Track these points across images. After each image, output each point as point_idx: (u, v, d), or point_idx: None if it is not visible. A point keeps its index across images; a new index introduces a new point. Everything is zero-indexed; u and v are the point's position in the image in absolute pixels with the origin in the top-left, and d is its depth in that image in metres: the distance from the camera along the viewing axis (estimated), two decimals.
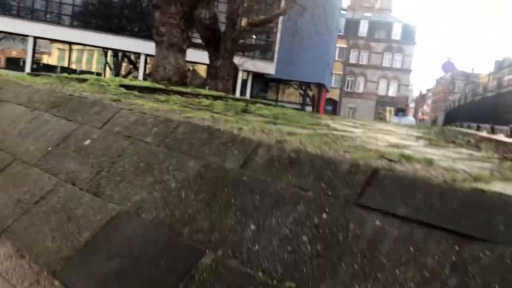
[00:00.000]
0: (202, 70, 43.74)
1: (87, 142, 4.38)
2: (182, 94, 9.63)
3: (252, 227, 2.78)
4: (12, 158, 4.63)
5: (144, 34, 43.00)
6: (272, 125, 5.12)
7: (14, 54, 49.49)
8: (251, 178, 3.10)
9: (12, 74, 9.56)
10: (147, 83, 11.05)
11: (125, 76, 44.90)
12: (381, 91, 68.21)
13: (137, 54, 44.84)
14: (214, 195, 3.17)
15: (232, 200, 3.03)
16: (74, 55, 47.32)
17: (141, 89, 9.15)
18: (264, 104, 12.18)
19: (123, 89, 7.95)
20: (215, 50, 19.97)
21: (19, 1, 40.86)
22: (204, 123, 4.08)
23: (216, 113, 5.67)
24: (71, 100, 5.30)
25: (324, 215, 2.63)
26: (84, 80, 9.00)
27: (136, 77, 42.44)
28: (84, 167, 4.06)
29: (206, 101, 8.31)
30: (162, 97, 7.75)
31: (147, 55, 42.97)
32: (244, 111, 7.20)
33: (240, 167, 3.26)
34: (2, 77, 7.11)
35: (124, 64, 50.15)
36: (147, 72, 44.65)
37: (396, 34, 67.79)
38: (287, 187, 2.92)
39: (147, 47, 41.84)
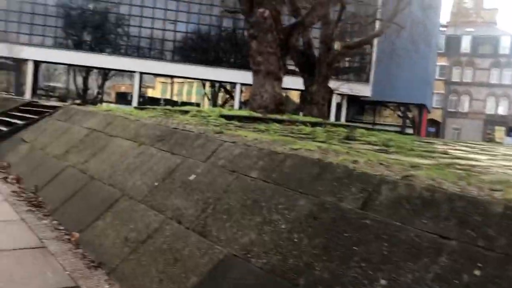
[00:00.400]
0: (294, 96, 43.98)
1: (192, 177, 4.26)
2: (280, 122, 9.44)
3: (383, 282, 2.33)
4: (121, 194, 4.67)
5: (239, 64, 44.53)
6: (385, 154, 4.63)
7: (123, 88, 54.13)
8: (376, 221, 2.66)
9: (121, 107, 10.14)
10: (245, 112, 11.08)
11: (222, 106, 46.66)
12: (489, 109, 62.80)
13: (233, 84, 46.42)
14: (332, 240, 2.77)
15: (354, 247, 2.61)
16: (176, 87, 50.33)
17: (240, 119, 9.12)
18: (365, 128, 11.57)
19: (223, 120, 7.94)
20: (309, 75, 19.75)
21: (127, 41, 44.68)
22: (313, 155, 3.73)
23: (320, 142, 5.32)
24: (175, 133, 5.29)
25: (477, 272, 2.11)
26: (186, 112, 9.21)
27: (232, 106, 43.87)
28: (190, 203, 3.91)
29: (306, 129, 7.99)
30: (262, 126, 7.59)
31: (242, 84, 44.34)
32: (348, 138, 6.75)
33: (360, 208, 2.84)
34: (113, 112, 7.47)
35: (220, 94, 52.28)
36: (242, 100, 46.04)
37: (504, 48, 62.43)
38: (422, 233, 2.43)
39: (242, 76, 43.27)
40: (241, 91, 45.45)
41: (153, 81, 56.33)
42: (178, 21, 44.15)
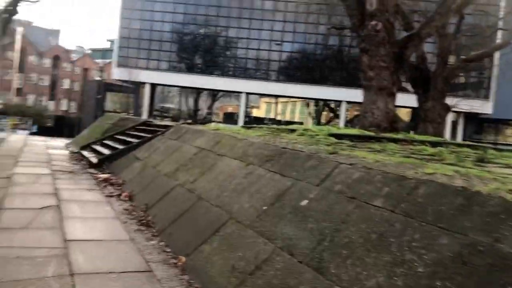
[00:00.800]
0: (402, 114, 41.71)
1: (304, 202, 3.83)
2: (395, 141, 8.64)
3: None
4: (228, 217, 4.40)
5: (345, 81, 43.65)
6: None
7: (230, 109, 56.19)
8: None
9: (228, 127, 10.14)
10: (355, 131, 10.43)
11: (326, 124, 45.92)
12: None
13: (337, 102, 45.61)
14: None
15: None
16: (279, 107, 50.83)
17: (351, 138, 8.51)
18: (493, 149, 10.20)
19: (333, 139, 7.43)
20: (423, 91, 18.38)
21: (234, 63, 46.34)
22: (453, 182, 3.08)
23: (451, 164, 4.56)
24: (284, 153, 4.93)
25: None
26: (293, 131, 8.86)
27: (337, 125, 42.94)
28: (303, 233, 3.47)
29: (428, 149, 7.13)
30: (376, 146, 6.92)
31: (348, 102, 43.35)
32: (482, 160, 5.82)
33: None
34: (221, 131, 7.37)
35: (324, 113, 51.69)
36: (348, 119, 44.92)
37: None
38: None
39: (347, 94, 42.29)
40: (347, 110, 44.43)
41: (258, 101, 57.73)
42: (283, 41, 44.78)
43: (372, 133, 9.62)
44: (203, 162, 6.23)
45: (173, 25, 46.67)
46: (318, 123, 47.42)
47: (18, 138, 17.81)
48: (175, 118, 48.42)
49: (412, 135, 11.83)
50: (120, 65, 46.54)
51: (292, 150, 4.91)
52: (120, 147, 10.47)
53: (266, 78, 45.46)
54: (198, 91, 50.35)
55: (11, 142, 15.16)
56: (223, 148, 6.27)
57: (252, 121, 47.85)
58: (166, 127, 10.74)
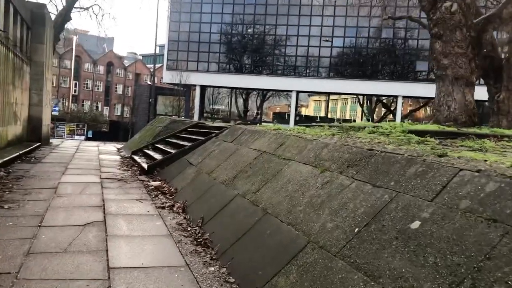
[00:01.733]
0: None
1: (415, 224, 2.82)
2: (482, 137, 7.39)
3: None
4: (306, 240, 3.46)
5: (399, 76, 41.58)
6: None
7: (278, 109, 55.23)
8: None
9: (283, 127, 9.21)
10: (432, 127, 9.17)
11: (379, 121, 44.00)
12: None
13: (392, 97, 43.60)
14: None
15: None
16: (330, 104, 49.24)
17: (432, 134, 7.36)
18: None
19: (413, 136, 6.34)
20: (495, 81, 16.60)
21: (283, 62, 45.36)
22: None
23: None
24: (372, 156, 3.93)
25: None
26: (361, 129, 7.82)
27: (393, 121, 40.90)
28: (421, 270, 2.48)
29: None
30: (471, 143, 5.77)
31: (404, 97, 41.27)
32: None
33: None
34: (284, 131, 6.45)
35: (376, 109, 49.61)
36: (402, 114, 42.73)
37: None
38: None
39: (403, 88, 40.24)
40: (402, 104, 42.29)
41: (307, 99, 56.44)
42: (334, 36, 43.31)
43: (453, 129, 8.38)
44: (266, 167, 5.33)
45: (221, 26, 46.39)
46: (371, 119, 45.50)
47: (72, 144, 17.78)
48: (225, 119, 48.17)
49: (497, 129, 10.38)
50: (169, 68, 46.85)
51: (383, 153, 3.89)
52: (172, 151, 9.80)
53: (316, 75, 44.19)
54: (247, 91, 49.84)
55: (64, 148, 15.02)
56: (289, 151, 5.34)
57: (303, 120, 46.62)
58: (220, 128, 9.97)
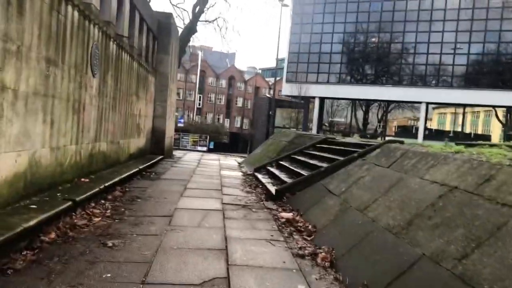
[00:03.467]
0: None
1: None
2: None
3: None
4: None
5: None
6: None
7: (395, 123, 50.96)
8: None
9: (435, 144, 7.07)
10: None
11: None
12: None
13: None
14: None
15: None
16: (459, 118, 43.78)
17: None
18: None
19: None
20: None
21: (410, 71, 41.66)
22: None
23: None
24: None
25: None
26: None
27: None
28: None
29: None
30: None
31: None
32: None
33: None
34: (476, 156, 4.44)
35: None
36: None
37: None
38: None
39: None
40: None
41: (431, 112, 51.02)
42: (470, 42, 38.58)
43: None
44: (470, 216, 3.43)
45: (343, 35, 44.33)
46: (510, 136, 39.42)
47: (193, 157, 17.31)
48: (344, 133, 45.79)
49: None
50: (289, 81, 46.07)
51: None
52: (303, 172, 8.22)
53: (448, 85, 39.68)
54: (367, 103, 46.80)
55: (185, 161, 14.43)
56: (505, 192, 3.38)
57: (433, 135, 42.20)
58: (361, 146, 8.16)
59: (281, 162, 11.03)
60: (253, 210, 6.70)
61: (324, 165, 8.05)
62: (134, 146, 11.22)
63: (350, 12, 43.52)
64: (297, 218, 6.09)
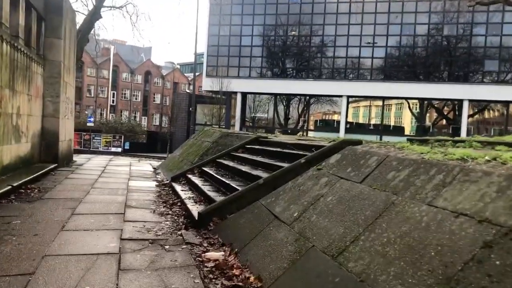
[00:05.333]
0: None
1: None
2: None
3: None
4: None
5: (461, 77, 36.88)
6: None
7: (320, 116, 50.80)
8: None
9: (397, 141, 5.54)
10: None
11: (433, 127, 39.54)
12: None
13: (449, 101, 38.76)
14: None
15: None
16: (373, 111, 44.60)
17: None
18: None
19: None
20: None
21: (329, 65, 41.48)
22: None
23: None
24: None
25: None
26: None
27: (447, 129, 36.24)
28: None
29: None
30: None
31: (470, 100, 36.51)
32: None
33: None
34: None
35: (427, 115, 44.53)
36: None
37: None
38: None
39: (468, 91, 35.57)
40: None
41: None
42: (389, 35, 39.09)
43: None
44: None
45: (263, 28, 42.99)
46: (421, 128, 40.79)
47: (99, 163, 14.65)
48: (268, 129, 44.62)
49: None
50: (209, 75, 43.89)
51: None
52: (234, 185, 6.25)
53: (364, 78, 40.01)
54: (288, 98, 46.01)
55: (87, 169, 11.87)
56: None
57: (354, 128, 42.44)
58: (306, 148, 6.41)
59: (204, 169, 9.02)
60: (166, 248, 4.63)
61: (261, 173, 6.17)
62: (10, 154, 8.56)
63: (269, 3, 42.32)
64: (231, 259, 4.14)
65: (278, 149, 7.59)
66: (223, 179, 7.09)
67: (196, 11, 53.27)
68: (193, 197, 7.10)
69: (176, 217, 6.08)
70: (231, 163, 8.30)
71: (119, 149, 43.68)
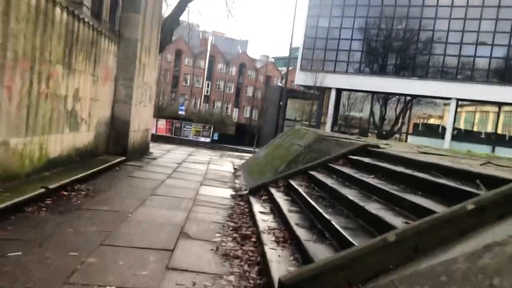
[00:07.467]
0: None
1: None
2: None
3: None
4: None
5: None
6: None
7: (420, 120, 45.73)
8: None
9: None
10: None
11: None
12: None
13: None
14: None
15: None
16: (477, 116, 38.79)
17: None
18: None
19: None
20: None
21: (442, 63, 37.02)
22: None
23: None
24: None
25: None
26: None
27: None
28: None
29: None
30: None
31: None
32: None
33: None
34: None
35: None
36: None
37: None
38: None
39: None
40: None
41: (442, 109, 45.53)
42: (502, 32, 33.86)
43: None
44: None
45: (366, 21, 39.60)
46: None
47: (177, 157, 13.16)
48: (362, 129, 41.29)
49: None
50: (303, 68, 41.56)
51: None
52: (337, 226, 4.00)
53: (479, 80, 35.06)
54: (385, 97, 41.90)
55: (158, 166, 10.33)
56: None
57: (462, 135, 37.47)
58: (461, 175, 4.00)
59: (292, 182, 6.89)
60: None
61: (382, 212, 3.88)
62: (60, 145, 7.13)
63: None
64: None
65: (401, 169, 5.21)
66: (319, 208, 4.89)
67: (295, 3, 51.24)
68: (274, 228, 4.99)
69: (246, 267, 3.99)
70: (329, 181, 6.07)
71: (208, 139, 43.26)
